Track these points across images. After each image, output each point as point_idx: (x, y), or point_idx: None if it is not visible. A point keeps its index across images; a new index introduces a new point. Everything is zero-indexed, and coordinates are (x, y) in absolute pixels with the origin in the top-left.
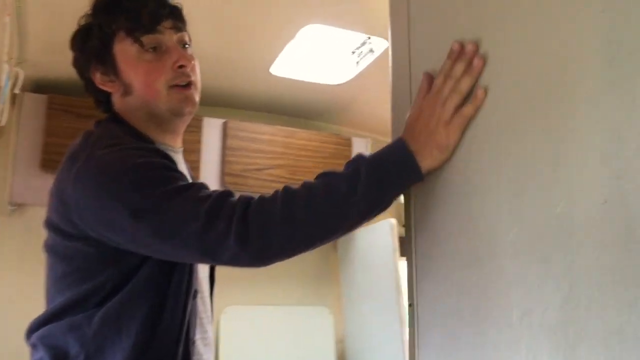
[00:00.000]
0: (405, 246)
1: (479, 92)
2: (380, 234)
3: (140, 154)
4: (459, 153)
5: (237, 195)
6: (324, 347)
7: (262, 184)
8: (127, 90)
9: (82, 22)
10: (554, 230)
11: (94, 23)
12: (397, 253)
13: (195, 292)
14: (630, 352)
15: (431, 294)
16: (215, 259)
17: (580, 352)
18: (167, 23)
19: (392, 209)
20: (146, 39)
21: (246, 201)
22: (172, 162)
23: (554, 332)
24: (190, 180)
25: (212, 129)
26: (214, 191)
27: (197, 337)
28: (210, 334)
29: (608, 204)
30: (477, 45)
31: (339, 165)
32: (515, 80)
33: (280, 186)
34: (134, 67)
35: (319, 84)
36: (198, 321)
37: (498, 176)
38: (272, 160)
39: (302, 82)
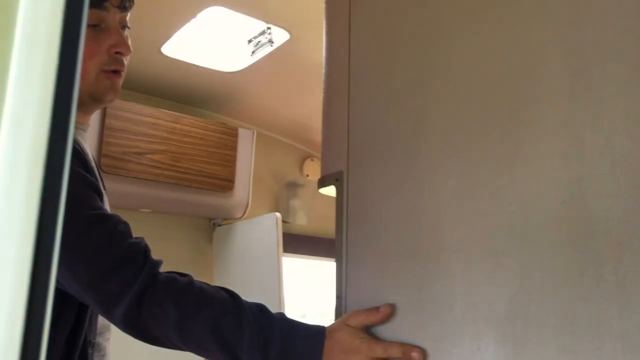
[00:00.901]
0: (336, 237)
1: None
2: (263, 228)
3: None
4: (401, 145)
5: (143, 247)
6: None
7: (143, 169)
8: None
9: None
10: (507, 227)
11: None
12: (281, 248)
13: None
14: (582, 342)
15: (362, 286)
16: (96, 308)
17: (531, 343)
18: (115, 0)
19: (275, 203)
20: (89, 13)
21: (152, 273)
22: (87, 164)
23: (501, 325)
24: (92, 161)
25: None
26: (121, 234)
27: (98, 336)
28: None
29: (566, 205)
30: None
31: (223, 156)
32: (476, 77)
33: (160, 173)
34: None
35: (209, 69)
36: (100, 320)
37: (447, 172)
38: (154, 144)
39: (193, 65)
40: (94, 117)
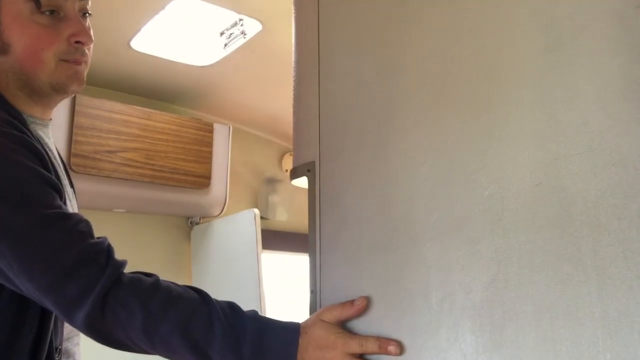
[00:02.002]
0: (309, 230)
1: None
2: (241, 225)
3: (16, 148)
4: (373, 132)
5: (105, 247)
6: None
7: (115, 167)
8: (2, 49)
9: None
10: (482, 212)
11: None
12: (259, 245)
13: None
14: (560, 329)
15: (337, 279)
16: (56, 311)
17: (508, 331)
18: None
19: (254, 199)
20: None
21: (115, 274)
22: (45, 160)
23: (478, 314)
24: (57, 158)
25: (58, 105)
26: (81, 234)
27: (66, 341)
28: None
29: (542, 186)
30: None
31: (198, 152)
32: (447, 58)
33: (134, 172)
34: (20, 27)
35: (182, 63)
36: (68, 324)
37: (420, 158)
38: (126, 142)
39: (164, 60)
40: (63, 115)
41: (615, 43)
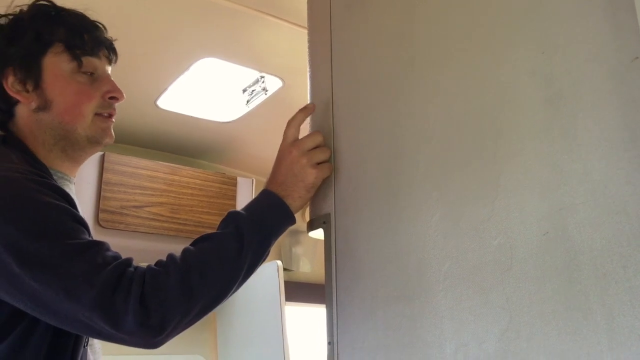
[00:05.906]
0: (326, 281)
1: None
2: (264, 277)
3: (44, 191)
4: (385, 185)
5: (128, 259)
6: None
7: (142, 222)
8: (44, 105)
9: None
10: (492, 262)
11: (28, 27)
12: (283, 297)
13: (87, 340)
14: None
15: (354, 330)
16: (104, 335)
17: None
18: (105, 52)
19: (277, 251)
20: (86, 60)
21: (142, 276)
22: (72, 203)
23: None
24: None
25: (87, 162)
26: (114, 257)
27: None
28: None
29: (549, 235)
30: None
31: (223, 205)
32: (453, 113)
33: (160, 226)
34: (63, 85)
35: (206, 120)
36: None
37: (430, 209)
38: (153, 197)
39: (189, 117)
40: (92, 172)
41: (614, 96)
